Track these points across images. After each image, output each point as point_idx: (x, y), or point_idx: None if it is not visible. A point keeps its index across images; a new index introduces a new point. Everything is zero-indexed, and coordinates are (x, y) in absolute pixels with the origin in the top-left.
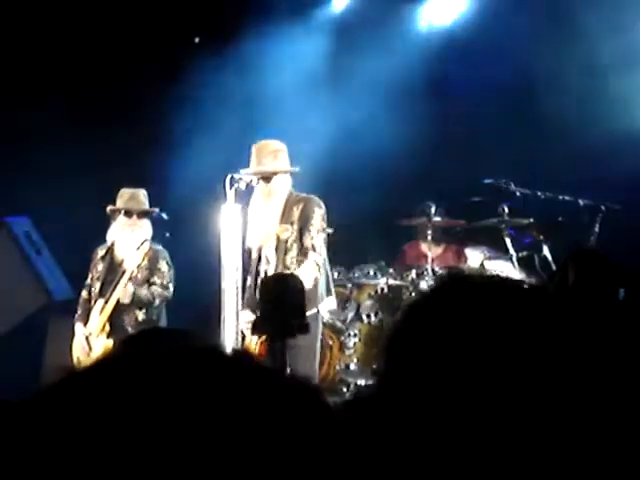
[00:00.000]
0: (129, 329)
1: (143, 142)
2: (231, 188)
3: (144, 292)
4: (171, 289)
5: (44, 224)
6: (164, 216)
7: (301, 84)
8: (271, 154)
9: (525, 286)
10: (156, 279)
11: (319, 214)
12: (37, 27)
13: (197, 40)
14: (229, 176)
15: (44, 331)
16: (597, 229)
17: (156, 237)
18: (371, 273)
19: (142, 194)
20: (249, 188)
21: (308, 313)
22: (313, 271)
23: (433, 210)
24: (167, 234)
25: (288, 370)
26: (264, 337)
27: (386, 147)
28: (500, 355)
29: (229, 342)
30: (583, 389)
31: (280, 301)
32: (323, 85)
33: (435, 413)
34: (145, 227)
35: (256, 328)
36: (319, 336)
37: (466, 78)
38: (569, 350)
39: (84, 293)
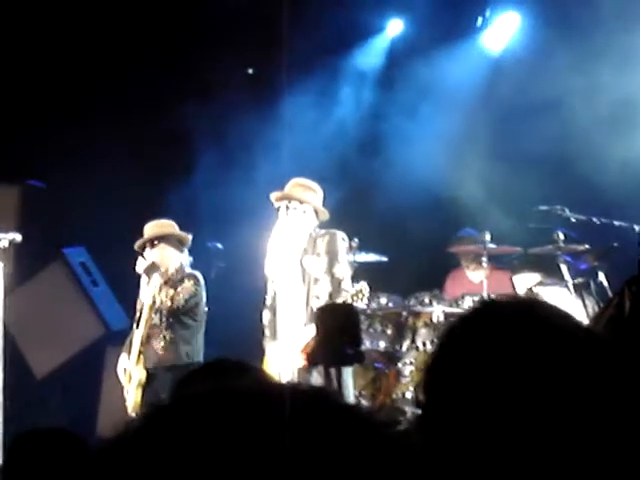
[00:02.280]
0: (158, 351)
1: (198, 172)
2: (286, 215)
3: (163, 298)
4: (190, 304)
5: (101, 254)
6: (218, 246)
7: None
8: (302, 187)
9: (554, 313)
10: (180, 297)
11: (345, 246)
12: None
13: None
14: (284, 203)
15: (101, 361)
16: None
17: (211, 267)
18: (426, 301)
19: (157, 224)
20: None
21: None
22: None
23: (487, 237)
24: (221, 264)
25: None
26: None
27: (438, 175)
28: (528, 382)
29: (285, 370)
30: (617, 423)
31: (337, 330)
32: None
33: (472, 438)
34: (174, 255)
35: (313, 357)
36: None
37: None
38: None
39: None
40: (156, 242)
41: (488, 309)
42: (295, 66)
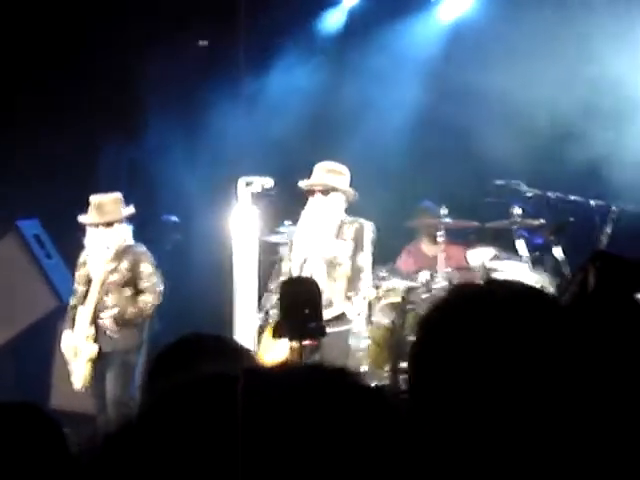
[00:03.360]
0: (113, 335)
1: (152, 145)
2: (245, 191)
3: (134, 311)
4: (161, 288)
5: (54, 227)
6: (174, 219)
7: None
8: (333, 172)
9: (533, 295)
10: (145, 284)
11: (372, 238)
12: None
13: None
14: (243, 179)
15: (54, 334)
16: (609, 230)
17: (166, 240)
18: (382, 275)
19: (109, 201)
20: (265, 192)
21: (343, 328)
22: (367, 293)
23: (443, 211)
24: (177, 237)
25: None
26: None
27: (393, 148)
28: (516, 365)
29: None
30: (602, 399)
31: (297, 305)
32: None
33: (461, 424)
34: (115, 233)
35: (276, 331)
36: (349, 350)
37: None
38: (579, 356)
39: (71, 299)
40: (99, 225)
41: (464, 296)
42: (251, 38)
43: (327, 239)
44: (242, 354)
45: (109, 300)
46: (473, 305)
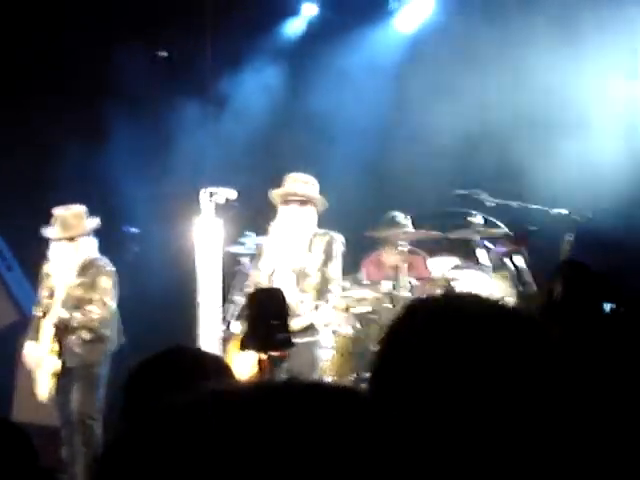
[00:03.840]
0: (77, 349)
1: (112, 156)
2: (210, 202)
3: (78, 317)
4: (112, 306)
5: (15, 239)
6: (133, 230)
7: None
8: (308, 184)
9: (493, 307)
10: (95, 295)
11: (341, 250)
12: None
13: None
14: (206, 190)
15: (15, 346)
16: (572, 238)
17: (126, 252)
18: (347, 285)
19: (72, 215)
20: (228, 203)
21: (310, 339)
22: (336, 303)
23: (404, 221)
24: (136, 249)
25: None
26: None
27: (354, 157)
28: (476, 380)
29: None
30: (565, 403)
31: (264, 316)
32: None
33: (420, 442)
34: (78, 247)
35: (243, 343)
36: (317, 361)
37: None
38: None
39: (35, 309)
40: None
41: (424, 309)
42: (213, 47)
43: (298, 250)
44: (222, 368)
45: (73, 315)
46: (433, 319)
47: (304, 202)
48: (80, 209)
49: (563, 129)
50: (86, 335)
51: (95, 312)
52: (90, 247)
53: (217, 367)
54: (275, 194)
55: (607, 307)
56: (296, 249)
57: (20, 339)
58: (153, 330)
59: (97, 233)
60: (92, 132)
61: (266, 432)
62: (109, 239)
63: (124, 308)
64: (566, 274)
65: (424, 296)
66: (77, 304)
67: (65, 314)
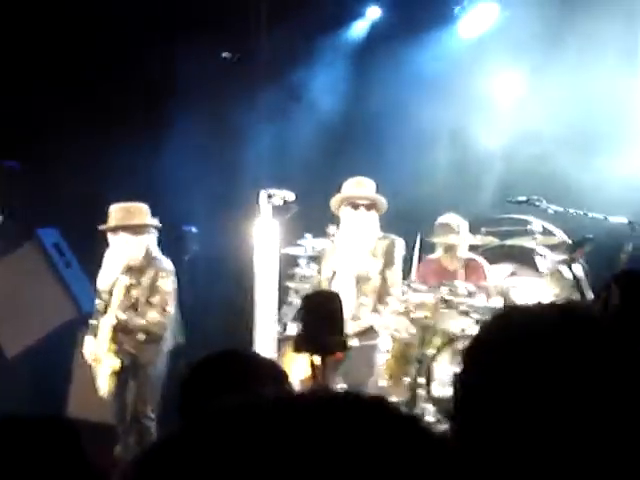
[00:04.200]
0: (131, 349)
1: (173, 154)
2: (268, 203)
3: (137, 322)
4: (171, 311)
5: (74, 235)
6: (193, 229)
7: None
8: (372, 188)
9: (572, 314)
10: (154, 299)
11: (402, 254)
12: None
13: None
14: (264, 192)
15: (73, 343)
16: (630, 247)
17: (186, 251)
18: (405, 289)
19: (134, 208)
20: (286, 205)
21: (370, 342)
22: (395, 307)
23: (462, 226)
24: (195, 248)
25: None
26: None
27: (414, 162)
28: (569, 404)
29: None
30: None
31: (320, 319)
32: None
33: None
34: (139, 242)
35: (296, 346)
36: (375, 365)
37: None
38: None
39: (96, 305)
40: (120, 231)
41: (510, 320)
42: (275, 51)
43: (361, 254)
44: (277, 373)
45: (131, 318)
46: (523, 335)
47: (370, 206)
48: (141, 204)
49: (625, 138)
50: (141, 336)
51: (155, 318)
52: (150, 245)
53: (272, 372)
54: (341, 198)
55: None
56: (359, 253)
57: (78, 336)
58: (211, 330)
59: (157, 231)
60: (154, 132)
61: (310, 445)
62: (169, 238)
63: (182, 307)
64: (622, 284)
65: (508, 308)
66: (136, 305)
67: (123, 316)
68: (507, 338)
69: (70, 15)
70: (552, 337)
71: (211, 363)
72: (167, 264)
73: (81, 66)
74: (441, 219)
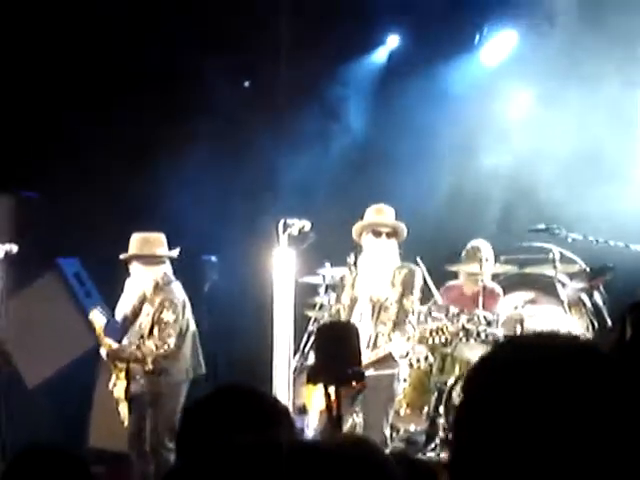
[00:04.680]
0: (139, 378)
1: (194, 184)
2: (284, 233)
3: (131, 351)
4: (171, 343)
5: (95, 266)
6: (213, 259)
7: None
8: (392, 216)
9: (580, 348)
10: (156, 331)
11: (420, 283)
12: None
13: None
14: (282, 221)
15: (93, 372)
16: None
17: (206, 280)
18: (420, 318)
19: (152, 238)
20: (303, 234)
21: (388, 372)
22: (412, 333)
23: (486, 254)
24: (215, 277)
25: (357, 420)
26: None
27: (432, 190)
28: (572, 438)
29: (280, 386)
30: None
31: (334, 349)
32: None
33: None
34: (154, 271)
35: (310, 377)
36: (394, 394)
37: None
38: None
39: None
40: (135, 260)
41: (509, 352)
42: (295, 79)
43: (381, 282)
44: (278, 411)
45: (123, 348)
46: (523, 367)
47: (390, 234)
48: (158, 234)
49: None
50: (148, 366)
51: (149, 349)
52: (163, 275)
53: (272, 410)
54: (362, 225)
55: None
56: (379, 281)
57: (98, 365)
58: (231, 360)
59: (177, 261)
60: (176, 161)
61: None
62: (189, 267)
63: (201, 337)
64: (635, 316)
65: (508, 339)
66: (143, 334)
67: (114, 344)
68: (496, 376)
69: (90, 39)
70: (547, 375)
71: (206, 401)
72: (175, 295)
73: (99, 94)
74: (470, 244)
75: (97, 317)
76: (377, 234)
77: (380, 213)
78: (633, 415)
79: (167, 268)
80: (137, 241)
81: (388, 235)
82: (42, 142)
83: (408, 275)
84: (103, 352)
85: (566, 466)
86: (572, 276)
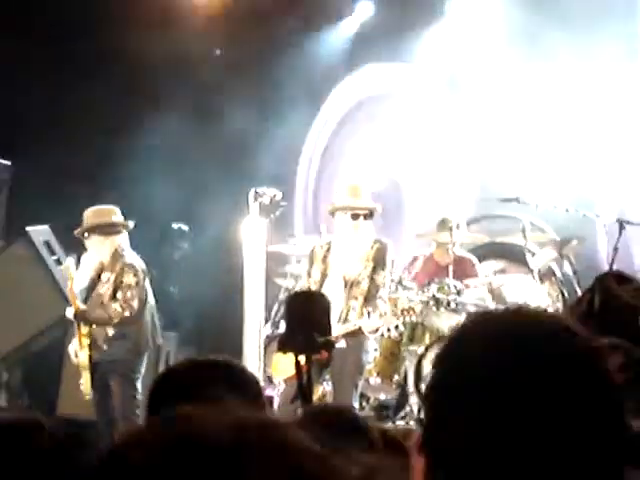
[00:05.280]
0: (102, 345)
1: (164, 154)
2: (255, 201)
3: (98, 312)
4: (135, 305)
5: (65, 234)
6: (183, 228)
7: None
8: (366, 195)
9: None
10: (119, 294)
11: (391, 258)
12: None
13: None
14: (253, 190)
15: (63, 340)
16: (618, 246)
17: (176, 248)
18: (392, 287)
19: (100, 211)
20: (274, 203)
21: (357, 342)
22: (384, 309)
23: (455, 224)
24: (185, 246)
25: (327, 389)
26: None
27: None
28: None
29: (251, 355)
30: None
31: (305, 318)
32: None
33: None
34: (107, 243)
35: (281, 345)
36: (364, 364)
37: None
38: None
39: None
40: (88, 234)
41: (478, 326)
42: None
43: (353, 260)
44: (247, 380)
45: (90, 310)
46: (493, 339)
47: (367, 216)
48: (110, 207)
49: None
50: (110, 331)
51: (116, 310)
52: (120, 244)
53: (241, 379)
54: (339, 207)
55: None
56: (352, 259)
57: (68, 333)
58: (201, 328)
59: (148, 230)
60: (144, 132)
61: None
62: (160, 236)
63: (172, 305)
64: (605, 285)
65: (480, 314)
66: (103, 300)
67: (82, 306)
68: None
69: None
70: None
71: (176, 370)
72: (135, 261)
73: (67, 64)
74: (440, 216)
75: (72, 267)
76: (355, 217)
77: (357, 195)
78: (597, 387)
79: (124, 238)
80: (91, 213)
81: (365, 217)
82: (13, 112)
83: (380, 250)
84: (70, 312)
85: (535, 435)
86: (542, 245)
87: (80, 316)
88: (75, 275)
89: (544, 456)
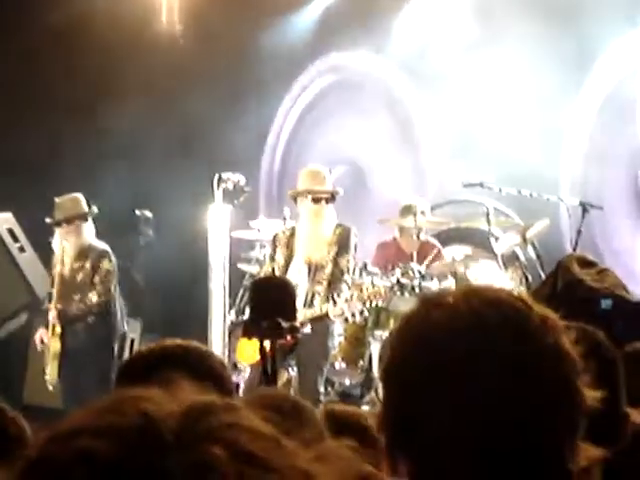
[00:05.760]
0: (76, 333)
1: (127, 138)
2: (219, 187)
3: (76, 307)
4: (112, 291)
5: (28, 221)
6: (148, 214)
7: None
8: (327, 179)
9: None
10: (96, 279)
11: (355, 242)
12: None
13: None
14: (217, 176)
15: (28, 329)
16: (582, 229)
17: (140, 235)
18: (356, 272)
19: (68, 200)
20: (238, 188)
21: (323, 327)
22: (348, 295)
23: (419, 210)
24: (150, 232)
25: (292, 374)
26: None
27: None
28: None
29: (216, 341)
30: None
31: (270, 304)
32: None
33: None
34: (78, 232)
35: (246, 331)
36: (329, 349)
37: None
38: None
39: (47, 298)
40: (64, 223)
41: (431, 308)
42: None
43: (316, 244)
44: (214, 366)
45: (75, 299)
46: (443, 321)
47: (329, 199)
48: (77, 195)
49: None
50: (90, 318)
51: (93, 300)
52: (87, 232)
53: (207, 365)
54: (300, 192)
55: (605, 303)
56: (316, 244)
57: (33, 320)
58: (166, 315)
59: (112, 217)
60: (107, 116)
61: None
62: (123, 222)
63: (137, 292)
64: (567, 268)
65: (430, 296)
66: (79, 288)
67: (64, 304)
68: (423, 327)
69: None
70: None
71: (142, 357)
72: (104, 247)
73: (32, 47)
74: (404, 201)
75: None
76: (316, 200)
77: (317, 179)
78: (554, 356)
79: (91, 226)
80: (69, 203)
81: (327, 200)
82: None
83: (343, 234)
84: (52, 314)
85: (489, 419)
86: (506, 230)
87: (63, 316)
88: (57, 271)
89: (504, 427)
